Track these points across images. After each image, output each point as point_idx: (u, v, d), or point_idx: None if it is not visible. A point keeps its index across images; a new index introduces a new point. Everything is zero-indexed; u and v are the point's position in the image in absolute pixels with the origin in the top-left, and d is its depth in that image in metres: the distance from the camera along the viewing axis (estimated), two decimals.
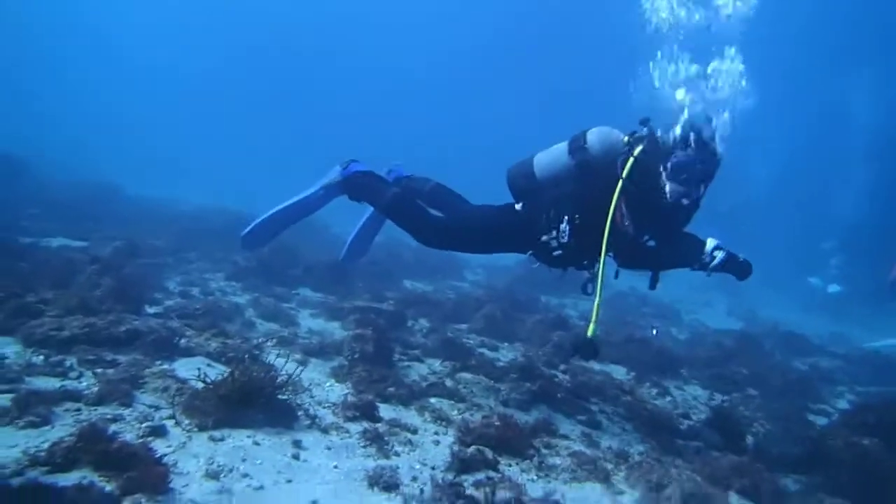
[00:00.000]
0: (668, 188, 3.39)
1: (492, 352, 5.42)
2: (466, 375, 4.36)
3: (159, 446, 2.54)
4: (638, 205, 3.47)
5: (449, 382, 4.15)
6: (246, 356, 3.61)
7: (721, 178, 3.52)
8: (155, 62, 41.62)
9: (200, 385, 2.98)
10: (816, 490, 3.31)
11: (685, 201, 3.40)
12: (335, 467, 2.67)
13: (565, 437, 3.50)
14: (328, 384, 3.81)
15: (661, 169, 3.41)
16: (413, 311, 6.25)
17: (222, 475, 2.44)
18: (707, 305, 12.76)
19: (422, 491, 2.43)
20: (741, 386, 5.66)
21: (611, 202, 3.39)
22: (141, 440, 2.59)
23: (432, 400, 3.76)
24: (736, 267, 3.56)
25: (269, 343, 4.38)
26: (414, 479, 2.63)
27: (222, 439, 2.74)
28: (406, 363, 4.49)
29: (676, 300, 11.26)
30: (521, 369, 4.50)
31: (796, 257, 16.77)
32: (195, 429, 2.81)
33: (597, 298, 3.39)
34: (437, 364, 4.58)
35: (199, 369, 3.11)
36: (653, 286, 3.84)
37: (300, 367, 3.60)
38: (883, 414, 4.66)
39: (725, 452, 3.70)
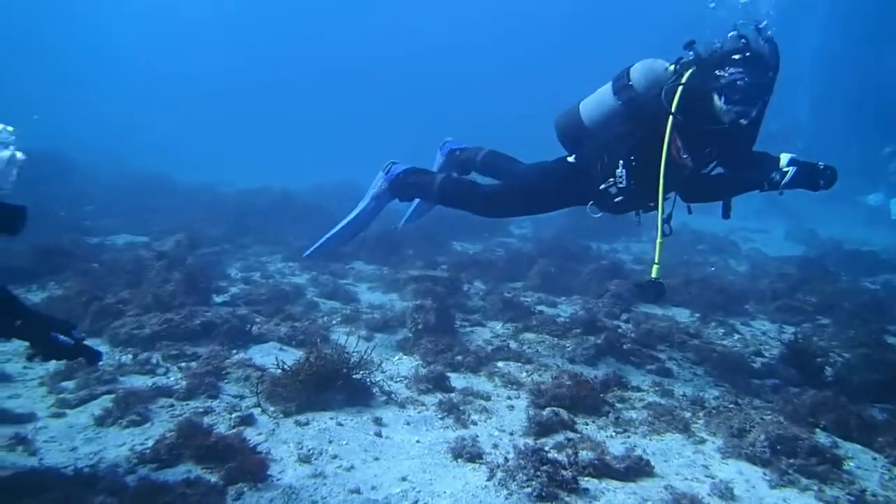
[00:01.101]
0: (723, 111, 3.28)
1: (551, 308, 5.42)
2: (530, 335, 4.39)
3: (251, 435, 2.68)
4: (694, 135, 3.35)
5: (513, 344, 4.20)
6: (317, 339, 3.73)
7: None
8: (159, 65, 41.39)
9: (279, 372, 3.11)
10: None
11: (743, 121, 3.28)
12: (417, 441, 2.76)
13: (637, 388, 3.50)
14: (397, 358, 3.90)
15: (714, 92, 3.28)
16: (467, 275, 6.27)
17: (313, 458, 2.56)
18: (763, 232, 12.33)
19: (506, 459, 2.48)
20: (811, 315, 5.50)
21: (664, 138, 3.28)
22: (234, 430, 2.74)
23: (500, 364, 3.82)
24: (813, 178, 3.32)
25: (334, 322, 4.51)
26: (495, 446, 2.69)
27: (307, 423, 2.86)
28: (469, 329, 4.55)
29: (731, 231, 10.91)
30: (584, 323, 4.49)
31: (856, 168, 15.95)
32: (281, 415, 2.95)
33: (658, 238, 3.32)
34: (499, 327, 4.63)
35: (276, 358, 3.23)
36: (726, 215, 3.73)
37: (370, 346, 3.71)
38: None
39: (805, 388, 3.63)
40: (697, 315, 5.35)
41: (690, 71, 3.37)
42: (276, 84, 40.16)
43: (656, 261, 3.30)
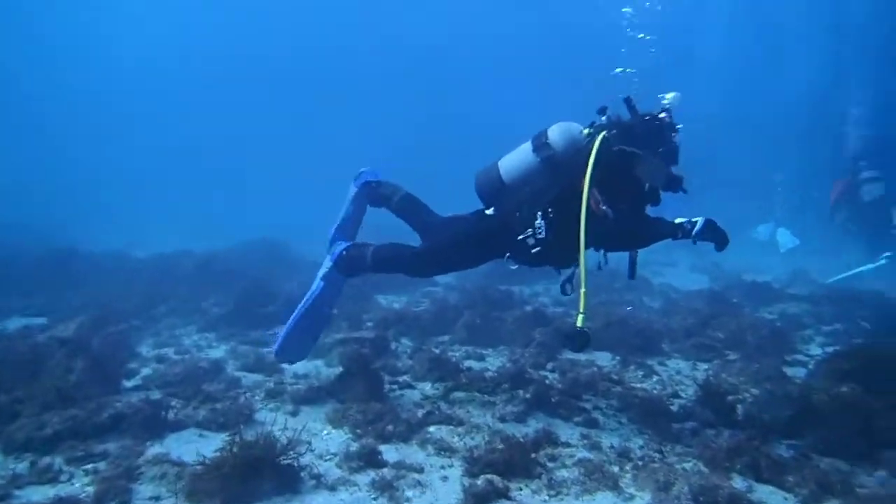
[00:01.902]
0: (643, 167, 3.59)
1: (479, 362, 5.46)
2: (460, 394, 4.39)
3: None
4: (612, 186, 3.59)
5: (444, 406, 4.17)
6: (240, 423, 3.56)
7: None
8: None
9: (200, 467, 2.93)
10: (810, 451, 3.46)
11: (658, 183, 3.67)
12: None
13: (567, 444, 3.56)
14: (325, 432, 3.78)
15: (628, 156, 3.57)
16: (393, 332, 6.24)
17: None
18: (671, 265, 13.05)
19: None
20: (721, 351, 5.85)
21: (582, 191, 3.50)
22: None
23: (431, 429, 3.78)
24: (716, 233, 3.71)
25: (257, 398, 4.33)
26: None
27: None
28: (398, 392, 4.50)
29: (642, 265, 11.44)
30: (512, 377, 4.55)
31: (750, 198, 17.31)
32: None
33: (582, 288, 3.45)
34: (428, 387, 4.60)
35: (196, 451, 3.05)
36: (632, 275, 3.99)
37: (296, 422, 3.58)
38: (857, 359, 4.90)
39: (720, 428, 3.84)
40: (618, 358, 5.55)
41: (603, 134, 3.66)
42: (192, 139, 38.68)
43: (581, 310, 3.42)
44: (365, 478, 3.11)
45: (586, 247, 3.50)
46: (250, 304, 6.81)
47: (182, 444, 3.51)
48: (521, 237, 3.80)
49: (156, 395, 4.20)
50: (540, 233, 3.73)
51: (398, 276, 4.59)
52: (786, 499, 2.91)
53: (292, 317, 4.45)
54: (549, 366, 5.20)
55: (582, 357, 5.48)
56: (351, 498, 2.93)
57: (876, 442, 3.61)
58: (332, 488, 3.02)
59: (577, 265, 3.70)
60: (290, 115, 40.49)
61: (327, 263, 4.50)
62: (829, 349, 6.27)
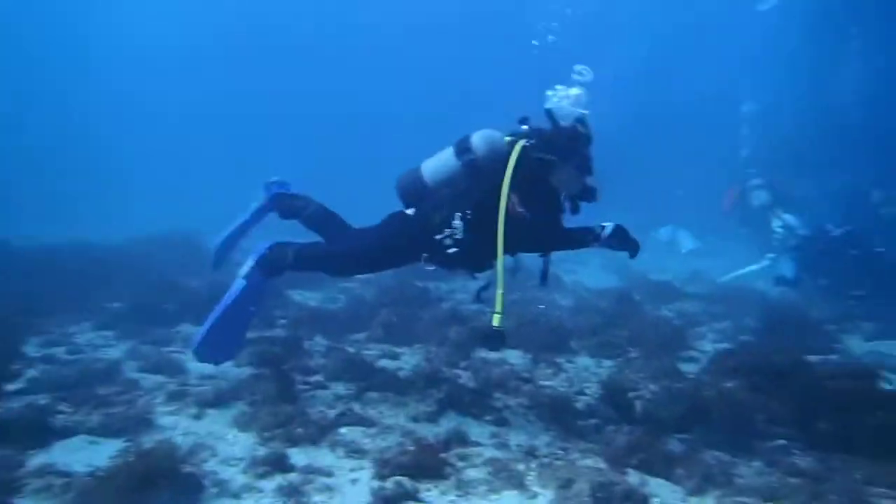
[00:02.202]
0: (559, 175, 3.77)
1: (394, 361, 5.46)
2: (373, 394, 4.38)
3: None
4: (529, 193, 3.73)
5: (357, 406, 4.15)
6: (137, 432, 3.38)
7: None
8: None
9: (90, 478, 2.76)
10: (698, 445, 3.72)
11: (573, 191, 3.87)
12: None
13: (477, 443, 3.64)
14: (231, 436, 3.66)
15: (551, 159, 3.73)
16: (307, 330, 6.12)
17: None
18: (582, 264, 13.58)
19: None
20: (624, 349, 6.16)
21: (501, 195, 3.62)
22: None
23: (343, 430, 3.75)
24: (626, 240, 3.91)
25: (158, 401, 4.12)
26: None
27: None
28: (310, 393, 4.42)
29: (555, 263, 11.86)
30: (425, 377, 4.59)
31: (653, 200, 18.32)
32: None
33: (499, 289, 3.55)
34: (341, 387, 4.56)
35: (88, 462, 2.86)
36: (544, 282, 4.14)
37: (200, 426, 3.44)
38: (742, 357, 5.33)
39: (620, 424, 4.05)
40: (529, 356, 5.73)
41: (523, 142, 3.81)
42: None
43: (498, 310, 3.51)
44: (271, 483, 3.04)
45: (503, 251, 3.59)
46: (155, 300, 6.46)
47: (70, 453, 3.27)
48: (438, 237, 3.86)
49: (42, 399, 3.90)
50: (457, 233, 3.80)
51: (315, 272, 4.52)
52: (674, 491, 3.12)
53: (211, 316, 4.25)
54: (463, 364, 5.29)
55: (494, 356, 5.61)
56: None
57: (755, 434, 3.94)
58: (236, 496, 2.93)
59: (493, 269, 3.82)
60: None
61: (249, 262, 4.34)
62: (719, 346, 6.78)
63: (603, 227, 3.88)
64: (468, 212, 3.83)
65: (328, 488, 3.02)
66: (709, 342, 7.22)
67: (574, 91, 4.05)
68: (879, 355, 6.48)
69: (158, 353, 5.13)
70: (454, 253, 3.85)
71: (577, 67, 4.10)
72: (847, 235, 9.08)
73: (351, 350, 5.49)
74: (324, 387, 4.58)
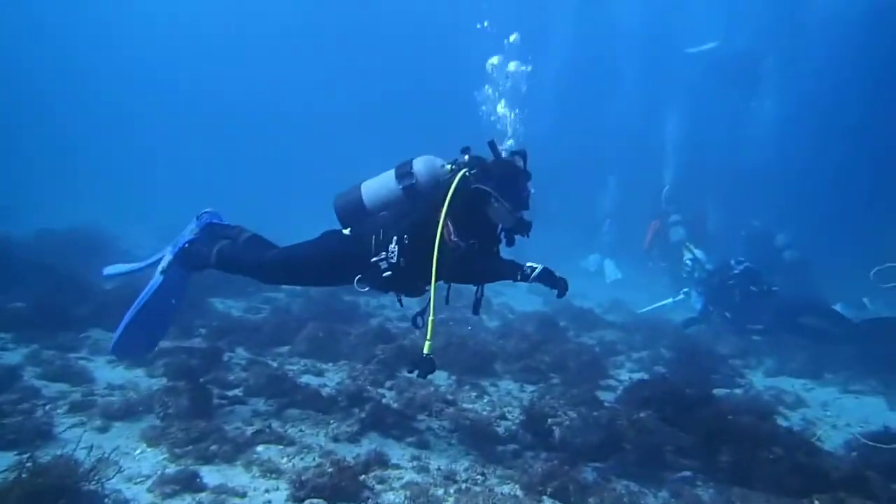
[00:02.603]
0: (495, 213, 3.83)
1: (318, 377, 5.36)
2: (294, 411, 4.28)
3: None
4: (465, 222, 3.75)
5: (276, 424, 4.04)
6: (34, 441, 3.15)
7: None
8: None
9: None
10: (610, 474, 3.86)
11: (509, 224, 3.92)
12: None
13: (397, 466, 3.63)
14: (139, 451, 3.48)
15: (489, 190, 3.77)
16: (228, 341, 5.92)
17: None
18: (511, 286, 13.73)
19: None
20: (546, 374, 6.31)
21: (438, 222, 3.64)
22: None
23: (260, 449, 3.65)
24: (553, 281, 3.90)
25: (59, 412, 3.87)
26: None
27: None
28: (228, 408, 4.27)
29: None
30: (349, 395, 4.53)
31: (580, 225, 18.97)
32: None
33: (430, 315, 3.58)
34: (261, 403, 4.43)
35: None
36: (476, 311, 4.20)
37: (104, 440, 3.25)
38: (654, 388, 5.57)
39: (538, 451, 4.15)
40: (454, 378, 5.77)
41: (464, 171, 3.84)
42: None
43: (428, 337, 3.51)
44: (180, 503, 2.91)
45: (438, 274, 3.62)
46: (60, 302, 6.05)
47: None
48: (374, 259, 3.84)
49: None
50: (393, 257, 3.79)
51: (238, 279, 4.41)
52: None
53: (129, 311, 4.18)
54: (388, 384, 5.26)
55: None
56: None
57: (663, 465, 4.13)
58: None
59: (425, 293, 3.87)
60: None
61: (168, 257, 4.28)
62: (635, 376, 7.07)
63: (533, 269, 3.86)
64: (405, 237, 3.83)
65: None
66: (626, 371, 7.52)
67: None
68: (777, 391, 6.97)
69: (63, 358, 4.82)
70: (388, 276, 3.84)
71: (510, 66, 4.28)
72: (746, 272, 9.76)
73: (273, 364, 5.36)
74: (242, 402, 4.44)
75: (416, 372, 3.54)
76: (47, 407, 3.89)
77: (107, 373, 4.79)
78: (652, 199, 14.91)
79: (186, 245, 4.26)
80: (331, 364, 5.82)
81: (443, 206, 3.66)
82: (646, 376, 6.83)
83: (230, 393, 4.56)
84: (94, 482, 2.78)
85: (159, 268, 4.28)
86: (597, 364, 6.92)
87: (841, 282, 13.27)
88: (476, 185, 3.77)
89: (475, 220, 3.81)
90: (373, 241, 3.88)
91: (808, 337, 8.97)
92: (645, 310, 12.24)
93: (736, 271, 9.73)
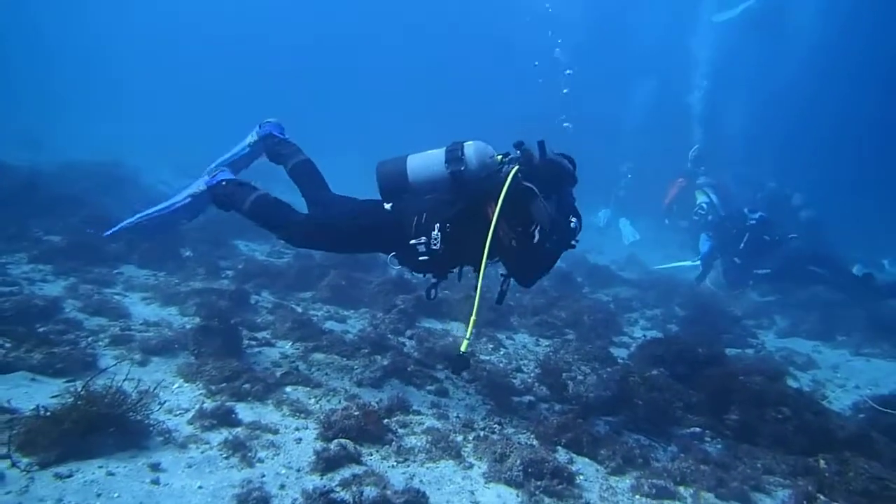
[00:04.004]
0: (540, 208, 3.65)
1: (340, 324, 5.55)
2: (319, 356, 4.48)
3: None
4: (512, 219, 3.64)
5: (303, 366, 4.25)
6: (88, 378, 3.35)
7: None
8: None
9: (32, 416, 2.76)
10: (622, 428, 4.03)
11: (551, 222, 3.72)
12: (200, 487, 2.68)
13: (418, 412, 3.81)
14: (176, 385, 3.70)
15: (536, 190, 3.66)
16: (254, 284, 6.11)
17: None
18: None
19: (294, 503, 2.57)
20: (561, 330, 6.46)
21: (482, 215, 3.61)
22: None
23: (288, 389, 3.85)
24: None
25: (101, 344, 4.09)
26: (282, 486, 2.74)
27: (70, 475, 2.59)
28: (256, 349, 4.47)
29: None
30: (371, 343, 4.71)
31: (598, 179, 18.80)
32: (36, 467, 2.62)
33: (473, 315, 3.50)
34: (288, 346, 4.62)
35: (39, 407, 2.84)
36: (501, 301, 4.19)
37: (144, 373, 3.45)
38: (667, 346, 5.71)
39: (552, 404, 4.33)
40: (473, 330, 5.91)
41: (517, 167, 3.72)
42: None
43: (467, 336, 3.52)
44: (217, 436, 3.12)
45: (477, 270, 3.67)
46: (92, 236, 6.26)
47: (11, 389, 3.25)
48: (413, 242, 3.81)
49: None
50: (434, 244, 3.75)
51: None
52: (597, 470, 3.39)
53: (140, 215, 4.33)
54: (408, 333, 5.44)
55: (439, 326, 5.78)
56: (201, 456, 2.93)
57: (673, 421, 4.29)
58: (183, 446, 3.00)
59: (451, 276, 3.96)
60: None
61: (200, 185, 4.35)
62: (648, 333, 7.21)
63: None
64: (448, 225, 3.75)
65: (273, 445, 3.13)
66: (639, 329, 7.66)
67: None
68: (789, 352, 7.09)
69: (100, 293, 5.04)
70: (424, 260, 3.83)
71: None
72: (761, 220, 9.82)
73: (298, 309, 5.54)
74: (270, 344, 4.64)
75: (452, 369, 3.58)
76: (90, 339, 4.11)
77: (141, 309, 5.02)
78: (677, 158, 14.69)
79: (224, 182, 4.28)
80: (352, 311, 6.00)
81: (491, 199, 3.59)
82: (659, 334, 6.95)
83: (258, 335, 4.75)
84: (140, 413, 2.98)
85: (188, 190, 4.35)
86: (611, 321, 7.06)
87: (862, 242, 13.29)
88: (526, 184, 3.68)
89: (518, 217, 3.68)
90: (413, 223, 3.83)
91: (810, 283, 9.39)
92: (662, 266, 12.27)
93: (752, 220, 9.80)
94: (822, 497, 3.24)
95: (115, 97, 31.87)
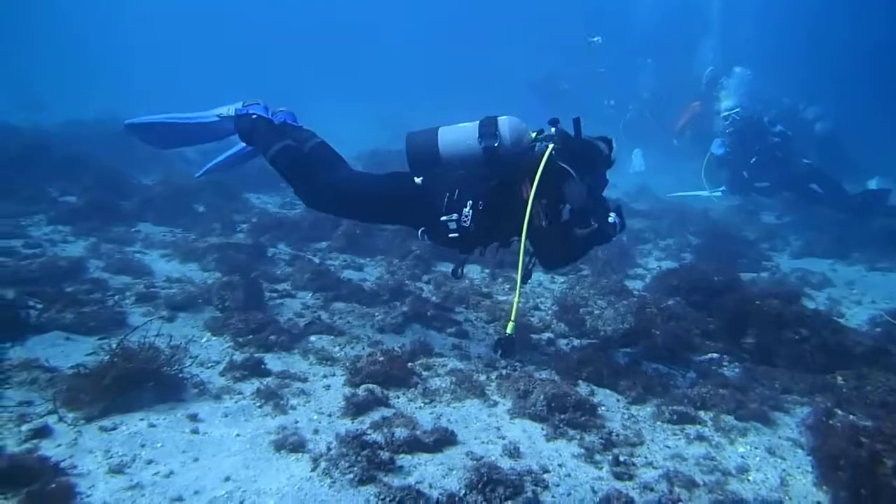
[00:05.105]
0: (573, 188, 3.59)
1: (358, 272, 5.62)
2: (340, 305, 4.57)
3: (48, 448, 2.50)
4: (543, 198, 3.57)
5: (325, 316, 4.34)
6: (124, 336, 3.46)
7: None
8: None
9: (73, 374, 2.88)
10: (640, 358, 4.11)
11: (580, 206, 3.65)
12: (237, 435, 2.80)
13: (440, 354, 3.91)
14: (204, 339, 3.81)
15: (571, 172, 3.59)
16: (270, 236, 6.16)
17: (126, 467, 2.46)
18: None
19: (328, 447, 2.67)
20: (576, 266, 6.49)
21: (516, 193, 3.55)
22: (27, 445, 2.52)
23: (313, 339, 3.95)
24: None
25: (128, 302, 4.19)
26: (315, 431, 2.86)
27: (114, 428, 2.72)
28: (278, 301, 4.57)
29: None
30: (390, 290, 4.78)
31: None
32: (82, 421, 2.75)
33: (516, 297, 3.49)
34: (308, 297, 4.71)
35: (78, 365, 2.95)
36: (525, 280, 3.96)
37: (173, 328, 3.55)
38: (682, 276, 5.73)
39: (571, 339, 4.42)
40: (488, 272, 5.99)
41: (552, 146, 3.61)
42: None
43: (512, 318, 3.48)
44: (249, 386, 3.24)
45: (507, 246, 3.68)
46: (111, 196, 6.31)
47: (48, 348, 3.38)
48: (444, 218, 3.72)
49: (9, 293, 3.90)
50: (465, 221, 3.67)
51: (271, 171, 4.27)
52: (618, 400, 3.49)
53: (164, 116, 4.28)
54: (426, 278, 5.50)
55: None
56: (236, 406, 3.05)
57: (691, 348, 4.36)
58: (217, 397, 3.12)
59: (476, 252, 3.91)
60: None
61: (230, 111, 4.22)
62: (663, 264, 7.24)
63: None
64: (480, 203, 3.66)
65: (303, 393, 3.24)
66: (654, 259, 7.68)
67: None
68: (804, 272, 7.10)
69: (122, 252, 5.13)
70: (454, 237, 3.75)
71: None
72: (782, 136, 9.91)
73: (315, 260, 5.61)
74: (291, 296, 4.73)
75: (500, 352, 3.53)
76: (116, 297, 4.21)
77: (163, 265, 5.11)
78: (692, 82, 14.27)
79: (255, 116, 4.13)
80: (368, 259, 6.06)
81: (526, 177, 3.52)
82: (674, 264, 6.97)
83: (279, 287, 4.83)
84: (174, 367, 3.09)
85: (217, 110, 4.26)
86: (625, 254, 7.08)
87: (880, 155, 13.12)
88: (561, 164, 3.59)
89: (550, 197, 3.59)
90: (445, 199, 3.75)
91: (807, 200, 9.76)
92: (676, 194, 12.13)
93: (774, 134, 9.88)
94: (840, 412, 3.32)
95: (114, 55, 31.40)
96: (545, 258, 3.80)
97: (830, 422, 2.77)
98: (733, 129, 10.25)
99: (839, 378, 3.78)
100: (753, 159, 9.86)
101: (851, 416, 3.31)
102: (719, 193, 10.89)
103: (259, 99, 4.30)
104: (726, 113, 10.46)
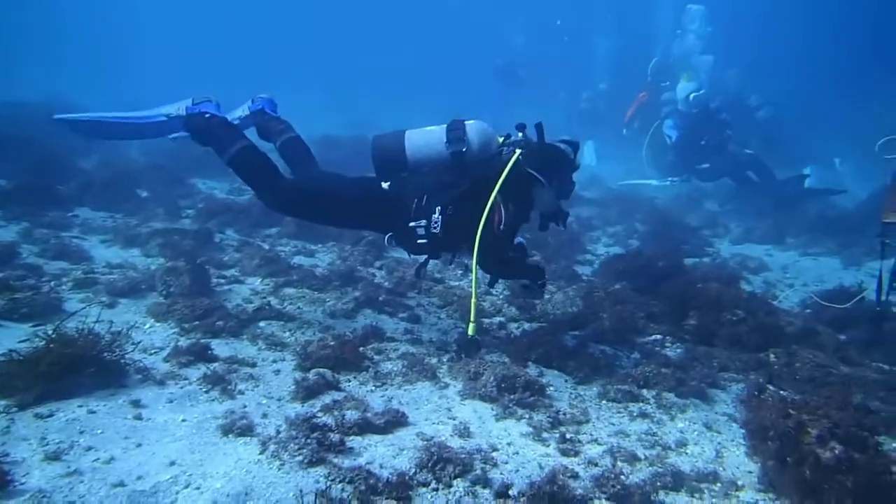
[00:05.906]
0: (541, 193, 3.63)
1: (309, 258, 5.54)
2: (290, 290, 4.50)
3: None
4: (508, 204, 3.57)
5: (274, 301, 4.27)
6: (49, 319, 3.33)
7: None
8: None
9: (6, 359, 2.75)
10: (588, 340, 4.21)
11: (551, 211, 3.72)
12: (183, 420, 2.74)
13: (392, 339, 3.91)
14: (148, 326, 3.70)
15: (539, 177, 3.58)
16: (217, 222, 6.01)
17: (63, 454, 2.38)
18: None
19: (277, 430, 2.65)
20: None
21: (485, 198, 3.48)
22: None
23: (262, 324, 3.89)
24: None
25: (65, 288, 4.02)
26: (264, 415, 2.82)
27: (51, 415, 2.62)
28: (226, 287, 4.47)
29: None
30: (342, 276, 4.75)
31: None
32: (15, 408, 2.63)
33: (473, 298, 3.47)
34: (258, 283, 4.63)
35: (11, 351, 2.81)
36: (493, 285, 4.10)
37: (113, 315, 3.44)
38: (629, 261, 5.92)
39: (521, 323, 4.49)
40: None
41: (520, 152, 3.60)
42: None
43: (472, 319, 3.47)
44: (195, 372, 3.17)
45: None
46: (45, 179, 6.02)
47: None
48: (412, 224, 3.62)
49: None
50: (435, 227, 3.57)
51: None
52: (566, 381, 3.58)
53: (104, 114, 4.03)
54: (378, 264, 5.48)
55: (409, 257, 5.82)
56: (181, 391, 2.98)
57: (636, 330, 4.50)
58: (161, 382, 3.04)
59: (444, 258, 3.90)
60: None
61: (181, 109, 3.99)
62: (611, 250, 7.43)
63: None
64: (449, 208, 3.56)
65: (252, 378, 3.19)
66: (602, 246, 7.88)
67: None
68: (743, 257, 7.46)
69: (57, 237, 4.91)
70: (422, 244, 3.66)
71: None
72: (724, 122, 10.47)
73: (265, 246, 5.50)
74: (239, 282, 4.63)
75: (464, 353, 3.53)
76: (52, 283, 4.03)
77: (103, 251, 4.92)
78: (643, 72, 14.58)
79: (208, 115, 3.93)
80: (320, 245, 5.99)
81: (493, 184, 3.48)
82: (621, 250, 7.16)
83: (227, 273, 4.73)
84: (115, 353, 2.99)
85: (166, 109, 4.03)
86: (574, 240, 7.22)
87: (817, 143, 13.90)
88: (528, 170, 3.59)
89: (518, 203, 3.60)
90: (413, 205, 3.64)
91: (739, 184, 10.47)
92: (626, 182, 12.39)
93: (722, 117, 10.44)
94: (771, 387, 3.50)
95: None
96: (482, 258, 3.62)
97: (762, 396, 2.92)
98: (689, 112, 10.70)
99: (772, 356, 4.01)
100: (703, 141, 10.30)
101: (782, 391, 3.50)
102: (668, 183, 11.21)
103: (210, 95, 4.08)
104: (693, 94, 10.89)
